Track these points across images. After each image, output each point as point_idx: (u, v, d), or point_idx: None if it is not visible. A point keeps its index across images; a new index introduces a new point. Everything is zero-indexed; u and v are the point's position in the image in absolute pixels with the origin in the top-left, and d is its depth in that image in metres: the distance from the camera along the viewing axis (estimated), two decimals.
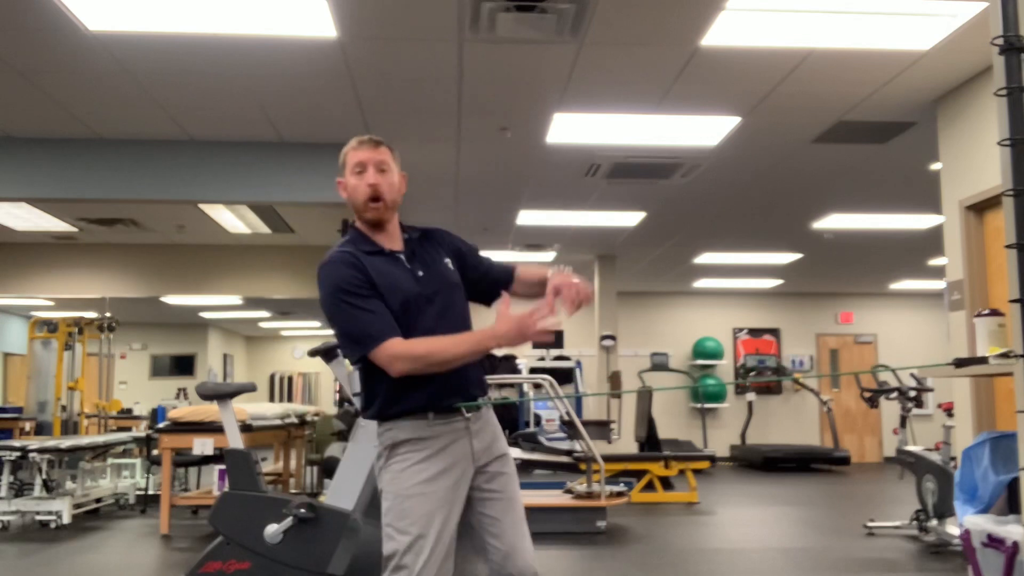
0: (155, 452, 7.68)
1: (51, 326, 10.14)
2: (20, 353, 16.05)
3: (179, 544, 6.02)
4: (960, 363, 3.16)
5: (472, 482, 2.19)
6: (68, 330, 10.09)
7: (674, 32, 4.56)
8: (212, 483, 7.87)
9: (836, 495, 8.91)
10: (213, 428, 6.47)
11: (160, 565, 5.27)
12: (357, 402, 3.43)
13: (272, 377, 20.53)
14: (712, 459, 8.88)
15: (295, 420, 8.00)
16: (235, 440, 3.42)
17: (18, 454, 6.56)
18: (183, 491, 8.15)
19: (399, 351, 2.08)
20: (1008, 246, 2.37)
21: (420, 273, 2.23)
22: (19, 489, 7.36)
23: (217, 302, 13.60)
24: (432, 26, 4.48)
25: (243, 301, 13.23)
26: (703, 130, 6.09)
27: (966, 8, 4.30)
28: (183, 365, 17.74)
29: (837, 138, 6.29)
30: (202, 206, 8.08)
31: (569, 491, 6.94)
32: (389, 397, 2.15)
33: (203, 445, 6.42)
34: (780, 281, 13.07)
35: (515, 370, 12.11)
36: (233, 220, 8.92)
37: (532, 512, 6.44)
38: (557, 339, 13.59)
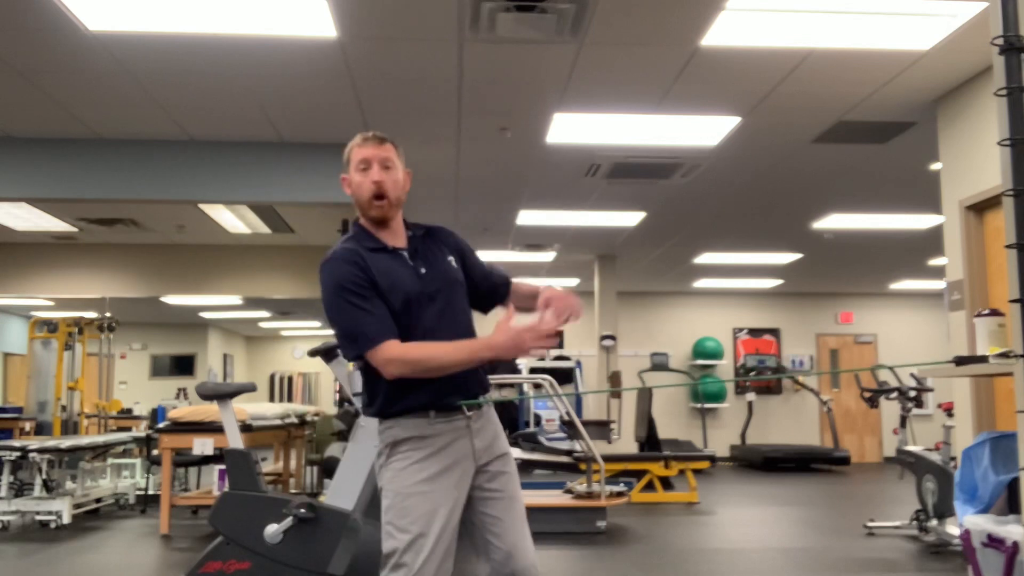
0: (155, 452, 7.68)
1: (51, 326, 10.14)
2: (20, 353, 16.05)
3: (179, 544, 6.02)
4: (960, 361, 3.16)
5: (473, 481, 2.19)
6: (68, 330, 10.09)
7: (674, 32, 4.56)
8: (212, 483, 7.87)
9: (836, 495, 8.91)
10: (213, 428, 6.47)
11: (160, 565, 5.27)
12: (357, 402, 3.43)
13: (272, 377, 20.53)
14: (712, 459, 8.88)
15: (295, 420, 8.00)
16: (235, 440, 3.42)
17: (18, 454, 6.56)
18: (183, 491, 8.15)
19: (394, 354, 2.08)
20: (1008, 246, 2.37)
21: (423, 271, 2.23)
22: (19, 489, 7.36)
23: (217, 302, 13.60)
24: (432, 26, 4.48)
25: (243, 301, 13.24)
26: (703, 130, 6.09)
27: (966, 8, 4.30)
28: (183, 365, 17.74)
29: (837, 138, 6.29)
30: (202, 206, 8.08)
31: (569, 491, 6.94)
32: (391, 395, 2.15)
33: (203, 445, 6.42)
34: (780, 281, 13.07)
35: (515, 370, 12.11)
36: (233, 220, 8.92)
37: (532, 512, 6.44)
38: (557, 339, 13.58)
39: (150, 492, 8.43)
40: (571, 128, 6.04)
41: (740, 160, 6.84)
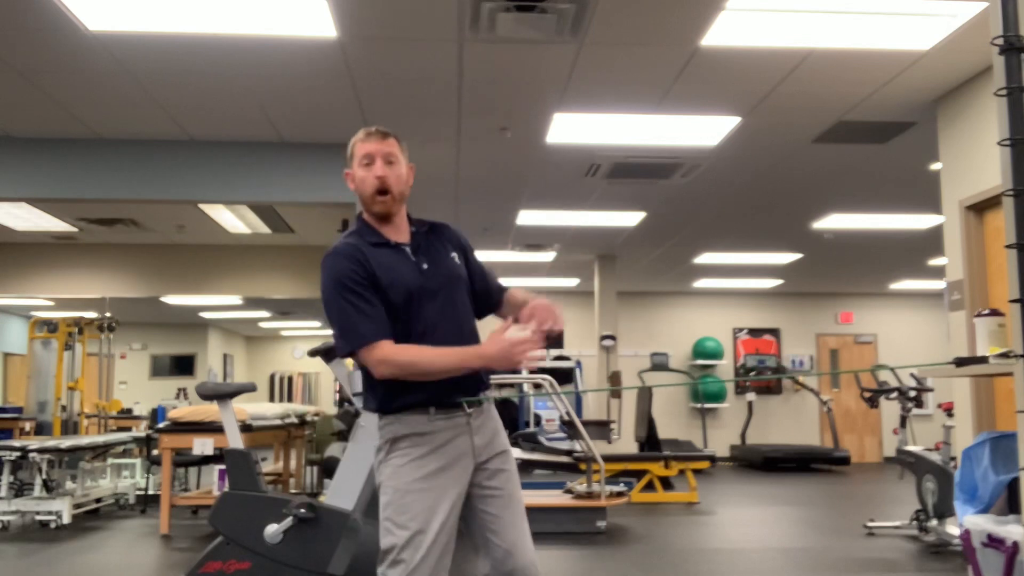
0: (155, 452, 7.68)
1: (51, 326, 10.14)
2: (20, 353, 16.05)
3: (179, 544, 6.02)
4: (960, 362, 3.16)
5: (472, 479, 2.19)
6: (68, 330, 10.09)
7: (674, 32, 4.56)
8: (212, 483, 7.87)
9: (836, 495, 8.91)
10: (213, 428, 6.47)
11: (160, 565, 5.27)
12: (357, 402, 3.43)
13: (272, 377, 20.54)
14: (712, 459, 8.88)
15: (295, 420, 8.00)
16: (235, 440, 3.42)
17: (18, 454, 6.56)
18: (183, 491, 8.15)
19: (384, 355, 2.09)
20: (1008, 246, 2.37)
21: (425, 266, 2.23)
22: (19, 489, 7.36)
23: (217, 302, 13.61)
24: (432, 26, 4.48)
25: (243, 301, 13.24)
26: (703, 130, 6.09)
27: (966, 8, 4.30)
28: (183, 365, 17.75)
29: (837, 138, 6.29)
30: (202, 206, 8.08)
31: (569, 491, 6.94)
32: (391, 391, 2.15)
33: (203, 445, 6.42)
34: (780, 281, 13.07)
35: (515, 370, 12.09)
36: (233, 220, 8.92)
37: (532, 512, 6.44)
38: (557, 339, 13.59)
39: (150, 492, 8.43)
40: (571, 128, 6.04)
41: (740, 160, 6.84)
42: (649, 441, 9.58)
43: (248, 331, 19.56)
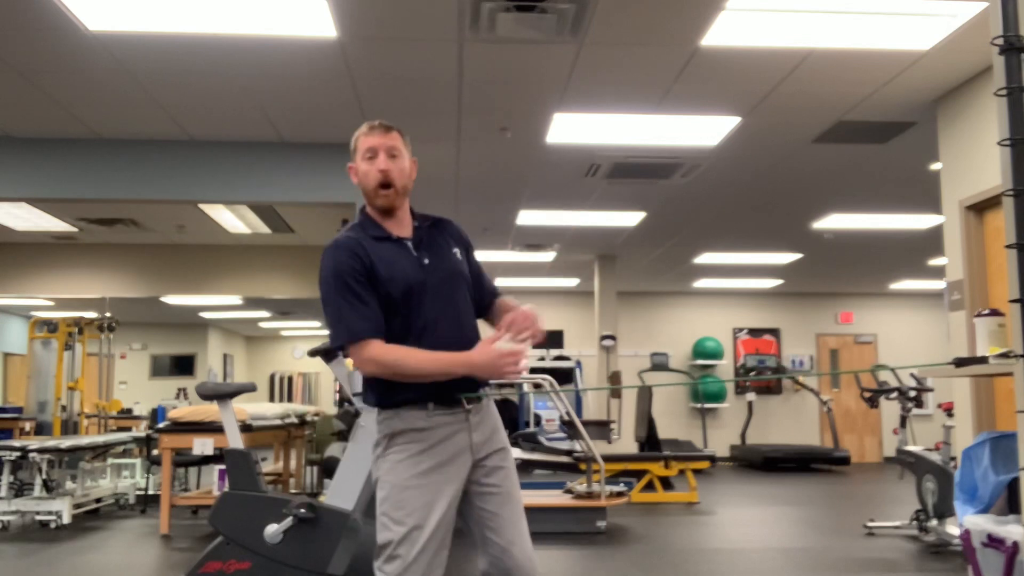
0: (155, 452, 7.69)
1: (51, 326, 10.14)
2: (20, 353, 16.05)
3: (179, 544, 6.02)
4: (960, 363, 3.16)
5: (471, 476, 2.19)
6: (68, 330, 10.09)
7: (674, 32, 4.56)
8: (212, 483, 7.87)
9: (836, 495, 8.91)
10: (213, 428, 6.47)
11: (160, 565, 5.27)
12: (357, 402, 3.43)
13: (272, 377, 20.54)
14: (712, 459, 8.88)
15: (295, 420, 8.00)
16: (235, 440, 3.42)
17: (18, 454, 6.56)
18: (183, 491, 8.15)
19: (372, 354, 2.10)
20: (1008, 246, 2.37)
21: (426, 261, 2.23)
22: (19, 489, 7.36)
23: (217, 302, 13.61)
24: (432, 26, 4.48)
25: (243, 301, 13.24)
26: (703, 130, 6.09)
27: (966, 8, 4.30)
28: (183, 365, 17.75)
29: (837, 138, 6.29)
30: (202, 206, 8.08)
31: (569, 491, 6.94)
32: (390, 386, 2.16)
33: (203, 445, 6.42)
34: (780, 281, 13.07)
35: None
36: (233, 220, 8.92)
37: (532, 512, 6.44)
38: (557, 339, 13.59)
39: (150, 492, 8.43)
40: (571, 128, 6.04)
41: (740, 160, 6.84)
42: (649, 441, 9.58)
43: (248, 331, 19.56)
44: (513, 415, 12.13)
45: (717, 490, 9.44)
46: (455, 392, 2.18)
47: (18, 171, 6.29)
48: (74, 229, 9.32)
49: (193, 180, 6.40)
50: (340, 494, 3.38)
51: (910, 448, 6.18)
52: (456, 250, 2.32)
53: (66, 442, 6.95)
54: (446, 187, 7.63)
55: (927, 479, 5.88)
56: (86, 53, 4.79)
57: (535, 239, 9.91)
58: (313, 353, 3.76)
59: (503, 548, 2.17)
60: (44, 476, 6.91)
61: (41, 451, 6.60)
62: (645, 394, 9.75)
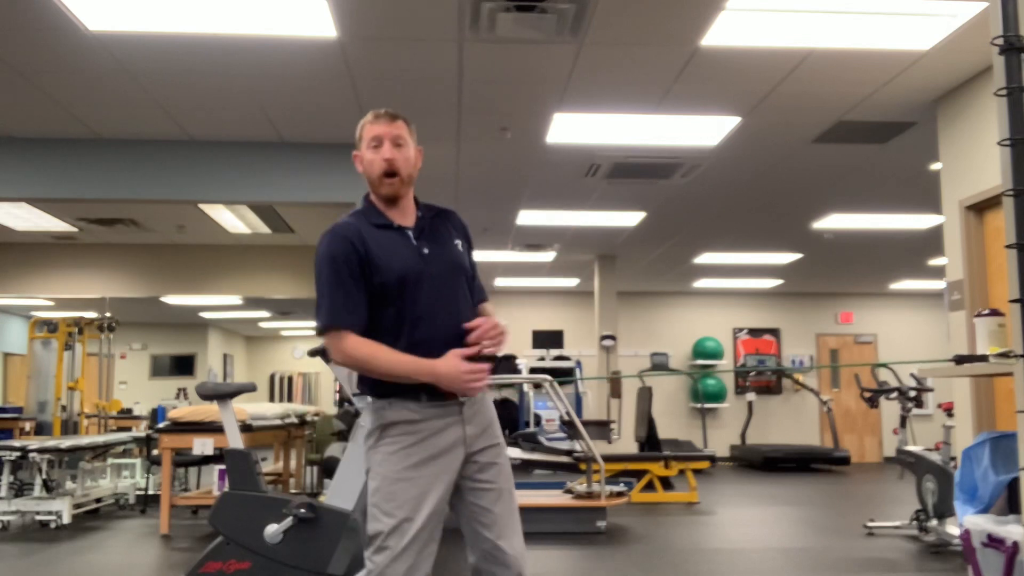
0: (155, 452, 7.69)
1: (51, 326, 10.14)
2: (20, 353, 16.05)
3: (179, 544, 6.02)
4: (960, 360, 3.16)
5: (464, 471, 2.19)
6: (68, 330, 10.10)
7: (674, 32, 4.56)
8: (212, 483, 7.87)
9: (836, 495, 8.91)
10: (213, 428, 6.47)
11: (160, 565, 5.27)
12: (357, 402, 3.43)
13: (272, 377, 20.54)
14: (712, 459, 8.88)
15: (295, 420, 8.00)
16: (235, 440, 3.42)
17: (18, 454, 6.56)
18: (183, 491, 8.15)
19: (344, 346, 2.14)
20: (1008, 246, 2.37)
21: (425, 250, 2.23)
22: (19, 489, 7.36)
23: (217, 302, 13.60)
24: (432, 26, 4.48)
25: (243, 301, 13.24)
26: (703, 130, 6.09)
27: (966, 8, 4.30)
28: (183, 365, 17.75)
29: (837, 138, 6.29)
30: (202, 206, 8.08)
31: (569, 491, 6.94)
32: None
33: (203, 445, 6.42)
34: (780, 281, 13.07)
35: (515, 370, 12.11)
36: (233, 220, 8.92)
37: (532, 512, 6.44)
38: (557, 339, 13.59)
39: (150, 492, 8.43)
40: (571, 128, 6.04)
41: (740, 160, 6.84)
42: (649, 441, 9.58)
43: (248, 331, 19.56)
44: (513, 415, 12.14)
45: (717, 490, 9.44)
46: None
47: (18, 171, 6.29)
48: (74, 229, 9.32)
49: (193, 180, 6.40)
50: (340, 494, 3.39)
51: (910, 448, 6.18)
52: (458, 242, 2.32)
53: (66, 442, 6.95)
54: (446, 187, 7.63)
55: (927, 479, 5.88)
56: (86, 53, 4.79)
57: (535, 239, 9.91)
58: (313, 353, 3.76)
59: (494, 544, 2.18)
60: (44, 476, 6.91)
61: (41, 451, 6.60)
62: (645, 394, 9.75)
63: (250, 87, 5.34)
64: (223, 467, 6.41)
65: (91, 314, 11.88)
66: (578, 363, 13.08)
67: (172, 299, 13.00)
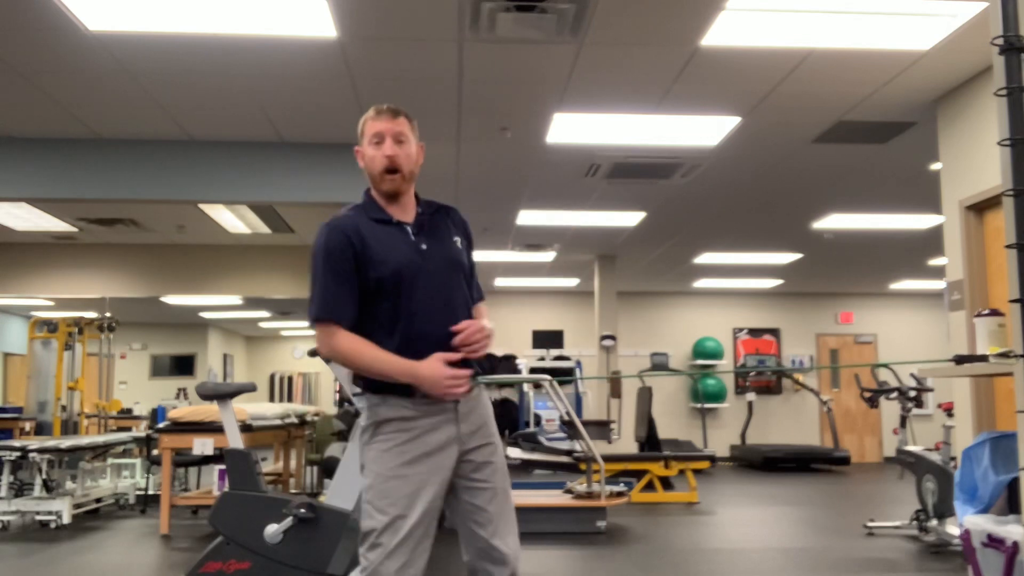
0: (155, 452, 7.68)
1: (51, 326, 10.14)
2: (20, 353, 16.05)
3: (179, 544, 6.02)
4: (960, 360, 3.16)
5: (459, 470, 2.19)
6: (68, 330, 10.10)
7: (674, 32, 4.56)
8: (212, 483, 7.87)
9: (836, 495, 8.91)
10: (213, 428, 6.47)
11: (160, 565, 5.27)
12: (357, 402, 3.43)
13: (272, 377, 20.53)
14: (712, 459, 8.88)
15: (295, 420, 8.00)
16: (235, 440, 3.42)
17: (18, 454, 6.56)
18: (183, 491, 8.15)
19: (331, 339, 2.16)
20: (1008, 246, 2.37)
21: (424, 246, 2.24)
22: (19, 489, 7.36)
23: (217, 302, 13.60)
24: (432, 26, 4.48)
25: (243, 301, 13.24)
26: (703, 130, 6.09)
27: (966, 8, 4.30)
28: (183, 365, 17.74)
29: (837, 138, 6.29)
30: (202, 206, 8.08)
31: (569, 491, 6.94)
32: None
33: (203, 445, 6.42)
34: (780, 281, 13.07)
35: (515, 370, 12.11)
36: (233, 220, 8.92)
37: (532, 512, 6.44)
38: (557, 339, 13.59)
39: (150, 492, 8.43)
40: (571, 128, 6.04)
41: (740, 160, 6.84)
42: (649, 441, 9.58)
43: (248, 331, 19.56)
44: (513, 415, 12.14)
45: (717, 490, 9.44)
46: None
47: (18, 171, 6.29)
48: (74, 229, 9.32)
49: (193, 180, 6.40)
50: (340, 494, 3.39)
51: (910, 448, 6.18)
52: (457, 239, 2.32)
53: (66, 442, 6.95)
54: (446, 187, 7.63)
55: (927, 479, 5.88)
56: (86, 53, 4.79)
57: (535, 239, 9.91)
58: (313, 353, 3.76)
59: (489, 542, 2.18)
60: (44, 476, 6.91)
61: (41, 451, 6.60)
62: (645, 394, 9.75)
63: (250, 87, 5.34)
64: (223, 467, 6.41)
65: (91, 314, 11.88)
66: (578, 363, 13.07)
67: (172, 299, 13.00)
